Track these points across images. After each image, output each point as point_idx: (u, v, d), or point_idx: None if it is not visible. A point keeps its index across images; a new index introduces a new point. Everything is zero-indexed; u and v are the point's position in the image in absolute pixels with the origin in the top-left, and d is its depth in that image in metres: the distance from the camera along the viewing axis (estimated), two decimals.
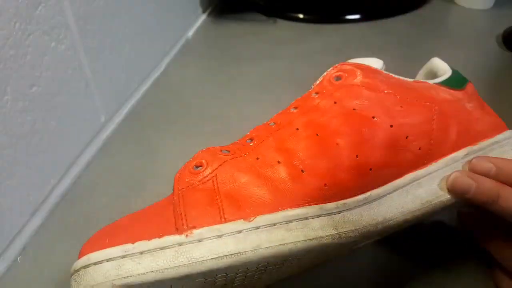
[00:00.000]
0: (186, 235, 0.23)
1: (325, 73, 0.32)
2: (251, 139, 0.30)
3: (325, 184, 0.26)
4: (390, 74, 0.32)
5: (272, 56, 0.68)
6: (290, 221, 0.25)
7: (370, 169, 0.28)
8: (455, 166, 0.30)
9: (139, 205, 0.29)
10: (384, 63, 0.33)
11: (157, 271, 0.22)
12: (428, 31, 0.74)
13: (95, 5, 0.47)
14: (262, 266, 0.24)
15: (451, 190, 0.29)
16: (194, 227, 0.24)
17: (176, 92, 0.60)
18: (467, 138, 0.31)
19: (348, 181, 0.27)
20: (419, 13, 0.82)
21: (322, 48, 0.70)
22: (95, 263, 0.23)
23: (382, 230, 0.28)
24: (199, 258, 0.23)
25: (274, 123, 0.30)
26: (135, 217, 0.27)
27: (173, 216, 0.25)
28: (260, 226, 0.24)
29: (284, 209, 0.25)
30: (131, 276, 0.22)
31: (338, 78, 0.31)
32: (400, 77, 0.32)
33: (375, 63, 0.32)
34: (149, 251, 0.23)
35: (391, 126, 0.28)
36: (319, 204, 0.26)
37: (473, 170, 0.29)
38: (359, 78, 0.30)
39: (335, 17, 0.81)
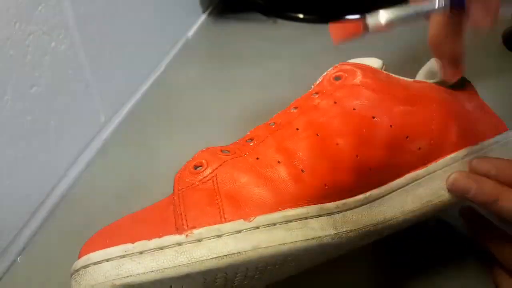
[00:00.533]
0: (186, 235, 0.23)
1: (325, 73, 0.32)
2: (251, 139, 0.30)
3: (325, 184, 0.26)
4: (390, 74, 0.32)
5: (272, 56, 0.68)
6: (290, 221, 0.25)
7: (370, 169, 0.28)
8: (455, 166, 0.30)
9: (139, 205, 0.29)
10: (384, 63, 0.33)
11: (157, 270, 0.22)
12: (428, 31, 0.74)
13: (95, 5, 0.47)
14: (262, 266, 0.24)
15: (451, 190, 0.29)
16: (194, 227, 0.24)
17: (176, 92, 0.60)
18: (467, 138, 0.31)
19: (348, 182, 0.27)
20: None
21: (322, 48, 0.70)
22: (95, 263, 0.23)
23: (382, 229, 0.28)
24: (199, 258, 0.23)
25: (274, 123, 0.30)
26: (135, 217, 0.27)
27: (173, 216, 0.25)
28: (260, 226, 0.24)
29: (284, 209, 0.25)
30: (131, 275, 0.22)
31: (338, 78, 0.31)
32: (400, 77, 0.32)
33: (375, 63, 0.32)
34: (149, 251, 0.23)
35: (391, 126, 0.28)
36: (319, 204, 0.26)
37: (473, 171, 0.29)
38: (359, 78, 0.30)
39: (335, 17, 0.80)
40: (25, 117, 0.37)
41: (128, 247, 0.23)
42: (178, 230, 0.24)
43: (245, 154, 0.28)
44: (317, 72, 0.34)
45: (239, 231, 0.24)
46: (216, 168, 0.27)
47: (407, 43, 0.70)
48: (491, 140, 0.31)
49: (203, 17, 0.84)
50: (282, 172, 0.26)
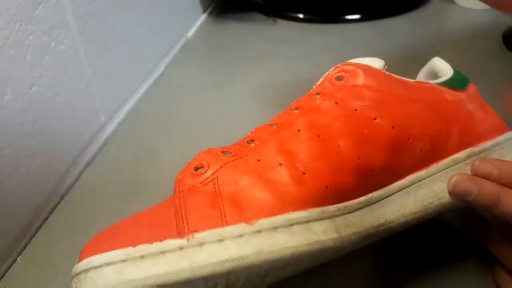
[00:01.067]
0: (188, 239, 0.23)
1: (326, 73, 0.32)
2: (252, 140, 0.29)
3: (327, 186, 0.26)
4: (392, 74, 0.32)
5: (272, 56, 0.68)
6: (292, 225, 0.24)
7: (372, 171, 0.27)
8: (456, 168, 0.30)
9: (139, 205, 0.29)
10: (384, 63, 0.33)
11: (158, 275, 0.22)
12: (428, 31, 0.74)
13: (95, 5, 0.47)
14: (264, 270, 0.24)
15: (452, 193, 0.29)
16: (196, 231, 0.24)
17: (176, 92, 0.60)
18: (469, 139, 0.31)
19: (349, 183, 0.27)
20: (419, 13, 0.82)
21: (322, 48, 0.70)
22: (95, 267, 0.23)
23: (383, 231, 0.28)
24: (201, 262, 0.22)
25: (275, 124, 0.30)
26: (135, 219, 0.26)
27: (174, 219, 0.25)
28: (261, 230, 0.24)
29: (286, 212, 0.25)
30: (132, 280, 0.22)
31: (339, 78, 0.31)
32: (402, 78, 0.32)
33: (377, 63, 0.32)
34: (150, 255, 0.23)
35: (393, 127, 0.28)
36: (320, 206, 0.26)
37: (475, 173, 0.29)
38: (361, 78, 0.30)
39: (335, 17, 0.81)
40: (25, 117, 0.37)
41: (129, 251, 0.23)
42: (180, 233, 0.24)
43: (246, 155, 0.28)
44: (317, 72, 0.34)
45: (241, 235, 0.24)
46: (217, 170, 0.27)
47: (407, 43, 0.70)
48: (493, 142, 0.31)
49: (203, 17, 0.84)
50: (283, 174, 0.26)
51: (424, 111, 0.30)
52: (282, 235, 0.24)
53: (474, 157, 0.30)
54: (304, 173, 0.26)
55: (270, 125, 0.30)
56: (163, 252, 0.23)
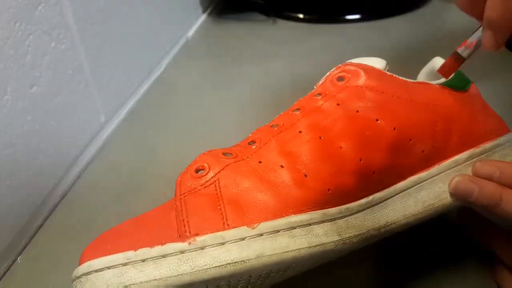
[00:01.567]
0: (189, 243, 0.23)
1: (327, 73, 0.32)
2: (253, 142, 0.29)
3: (329, 189, 0.26)
4: (394, 75, 0.31)
5: (272, 56, 0.68)
6: (294, 228, 0.24)
7: (373, 173, 0.27)
8: (457, 169, 0.30)
9: (139, 206, 0.29)
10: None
11: (159, 279, 0.22)
12: (428, 31, 0.74)
13: (95, 5, 0.47)
14: (265, 273, 0.24)
15: (453, 194, 0.29)
16: (197, 234, 0.24)
17: (176, 92, 0.60)
18: (470, 140, 0.31)
19: (351, 185, 0.27)
20: (419, 13, 0.82)
21: (322, 48, 0.70)
22: (96, 270, 0.23)
23: (384, 233, 0.28)
24: (202, 266, 0.22)
25: (276, 125, 0.30)
26: (136, 222, 0.26)
27: (175, 222, 0.25)
28: (263, 233, 0.24)
29: (287, 215, 0.25)
30: (133, 284, 0.22)
31: (341, 79, 0.31)
32: (403, 78, 0.32)
33: (378, 63, 0.32)
34: (152, 258, 0.23)
35: (395, 129, 0.28)
36: (322, 209, 0.26)
37: (476, 174, 0.29)
38: (362, 79, 0.30)
39: (335, 17, 0.81)
40: (25, 117, 0.37)
41: (130, 254, 0.23)
42: (181, 237, 0.24)
43: (248, 157, 0.28)
44: (317, 72, 0.34)
45: (243, 239, 0.23)
46: (219, 172, 0.27)
47: (407, 43, 0.70)
48: (494, 143, 0.31)
49: (203, 17, 0.84)
50: (285, 176, 0.26)
51: (425, 112, 0.30)
52: (284, 238, 0.24)
53: (475, 158, 0.30)
54: (305, 175, 0.26)
55: (271, 126, 0.30)
56: (164, 256, 0.23)
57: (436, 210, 0.29)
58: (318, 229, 0.25)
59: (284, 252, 0.24)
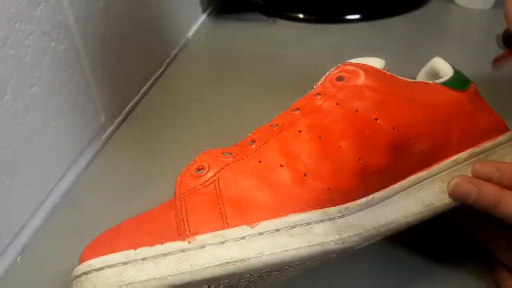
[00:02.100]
0: (189, 241, 0.23)
1: (327, 73, 0.32)
2: (253, 141, 0.29)
3: (328, 188, 0.26)
4: (393, 74, 0.31)
5: (272, 56, 0.68)
6: (294, 227, 0.24)
7: (373, 172, 0.27)
8: (457, 168, 0.30)
9: (139, 206, 0.29)
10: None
11: (159, 278, 0.22)
12: (428, 31, 0.74)
13: (95, 5, 0.47)
14: (265, 272, 0.24)
15: (452, 195, 0.29)
16: (197, 233, 0.24)
17: (176, 92, 0.60)
18: (469, 140, 0.31)
19: (351, 185, 0.27)
20: (419, 13, 0.82)
21: (322, 48, 0.70)
22: (96, 269, 0.23)
23: (384, 233, 0.28)
24: (202, 265, 0.22)
25: (276, 124, 0.30)
26: (136, 221, 0.26)
27: (175, 222, 0.25)
28: (263, 232, 0.24)
29: (287, 214, 0.25)
30: (133, 283, 0.22)
31: (340, 78, 0.31)
32: (403, 78, 0.32)
33: (378, 62, 0.32)
34: (152, 257, 0.23)
35: (394, 128, 0.28)
36: (322, 208, 0.26)
37: (476, 175, 0.29)
38: (362, 79, 0.30)
39: (335, 17, 0.81)
40: (25, 117, 0.37)
41: (130, 253, 0.23)
42: (181, 236, 0.24)
43: (247, 156, 0.28)
44: (317, 72, 0.34)
45: (243, 237, 0.24)
46: (218, 172, 0.27)
47: (407, 43, 0.70)
48: (493, 142, 0.31)
49: (203, 17, 0.84)
50: (285, 176, 0.26)
51: (425, 111, 0.30)
52: (284, 237, 0.24)
53: (475, 158, 0.30)
54: (305, 174, 0.26)
55: (271, 125, 0.30)
56: (164, 255, 0.23)
57: (435, 209, 0.29)
58: (318, 228, 0.25)
59: (283, 251, 0.24)
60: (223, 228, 0.24)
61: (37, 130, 0.39)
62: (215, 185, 0.26)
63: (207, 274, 0.22)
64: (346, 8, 0.82)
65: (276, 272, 0.25)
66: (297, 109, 0.30)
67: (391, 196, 0.28)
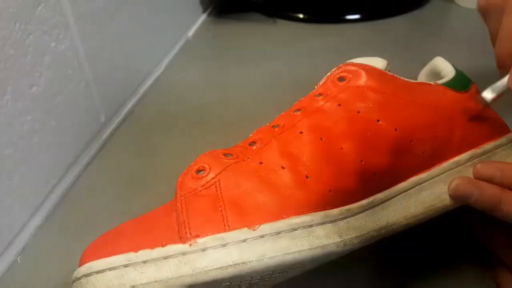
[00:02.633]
0: (190, 244, 0.23)
1: (328, 73, 0.32)
2: (254, 142, 0.29)
3: (330, 190, 0.26)
4: (395, 75, 0.31)
5: (272, 56, 0.68)
6: (295, 229, 0.24)
7: (374, 174, 0.27)
8: (458, 170, 0.30)
9: (139, 206, 0.28)
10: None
11: (160, 281, 0.22)
12: (428, 31, 0.74)
13: (95, 5, 0.47)
14: (266, 275, 0.24)
15: (453, 196, 0.29)
16: (198, 236, 0.23)
17: (176, 92, 0.60)
18: (471, 141, 0.30)
19: (352, 187, 0.27)
20: (419, 13, 0.82)
21: (322, 48, 0.70)
22: (97, 272, 0.23)
23: (385, 234, 0.28)
24: (203, 268, 0.22)
25: (277, 125, 0.30)
26: (137, 223, 0.26)
27: (176, 224, 0.25)
28: (264, 235, 0.24)
29: (288, 217, 0.25)
30: (134, 286, 0.22)
31: (342, 79, 0.31)
32: (405, 79, 0.32)
33: (380, 63, 0.31)
34: (153, 260, 0.23)
35: (396, 129, 0.28)
36: (323, 210, 0.26)
37: (477, 176, 0.29)
38: (363, 79, 0.30)
39: (335, 17, 0.81)
40: (25, 117, 0.37)
41: (131, 256, 0.23)
42: (182, 238, 0.24)
43: (248, 158, 0.28)
44: (317, 72, 0.34)
45: (244, 240, 0.23)
46: (219, 173, 0.27)
47: (407, 43, 0.70)
48: (495, 143, 0.31)
49: (203, 17, 0.84)
50: (286, 178, 0.26)
51: (426, 113, 0.30)
52: (285, 240, 0.24)
53: (476, 159, 0.30)
54: (307, 176, 0.26)
55: (272, 126, 0.30)
56: (165, 258, 0.23)
57: (436, 210, 0.29)
58: (319, 231, 0.25)
59: (285, 254, 0.23)
60: (224, 230, 0.24)
61: (37, 130, 0.39)
62: (216, 186, 0.26)
63: (208, 277, 0.22)
64: (346, 8, 0.82)
65: (277, 274, 0.25)
66: (298, 109, 0.30)
67: (392, 198, 0.28)
